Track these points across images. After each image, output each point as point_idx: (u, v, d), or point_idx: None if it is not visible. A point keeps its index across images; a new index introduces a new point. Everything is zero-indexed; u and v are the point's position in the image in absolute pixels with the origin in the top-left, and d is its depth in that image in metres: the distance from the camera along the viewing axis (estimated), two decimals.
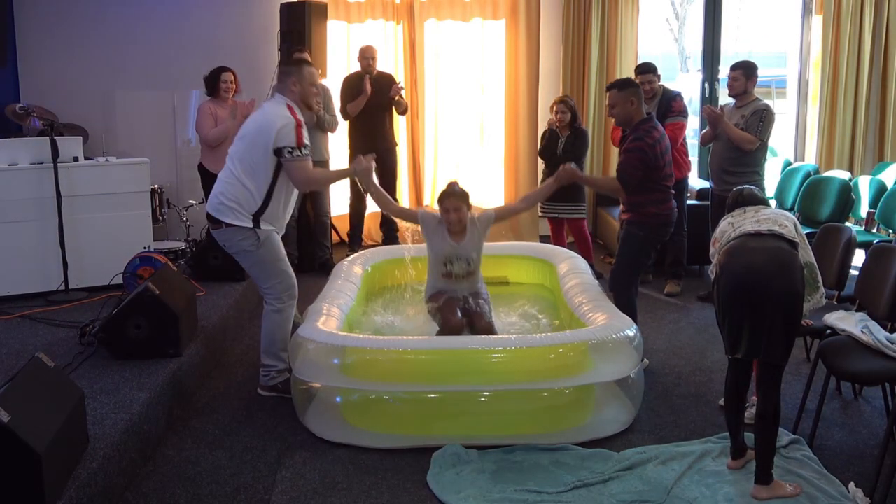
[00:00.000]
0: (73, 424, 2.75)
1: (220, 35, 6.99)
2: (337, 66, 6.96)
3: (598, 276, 5.40)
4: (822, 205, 5.91)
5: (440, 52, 7.42)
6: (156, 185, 6.30)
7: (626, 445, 3.43)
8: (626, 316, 3.85)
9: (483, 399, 3.46)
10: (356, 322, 4.40)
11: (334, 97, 6.38)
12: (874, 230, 6.01)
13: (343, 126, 6.50)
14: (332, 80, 6.67)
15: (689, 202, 6.01)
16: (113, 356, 3.84)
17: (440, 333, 4.03)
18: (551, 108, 5.96)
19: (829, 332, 3.54)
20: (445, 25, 7.40)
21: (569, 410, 3.51)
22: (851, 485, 3.00)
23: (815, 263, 3.12)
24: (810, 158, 7.61)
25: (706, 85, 7.65)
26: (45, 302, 4.90)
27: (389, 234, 6.97)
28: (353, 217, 6.87)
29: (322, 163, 6.21)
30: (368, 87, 6.32)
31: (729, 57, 7.24)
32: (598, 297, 4.23)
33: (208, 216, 3.85)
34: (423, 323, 4.37)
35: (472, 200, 6.65)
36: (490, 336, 3.93)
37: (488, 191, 7.56)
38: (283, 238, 3.99)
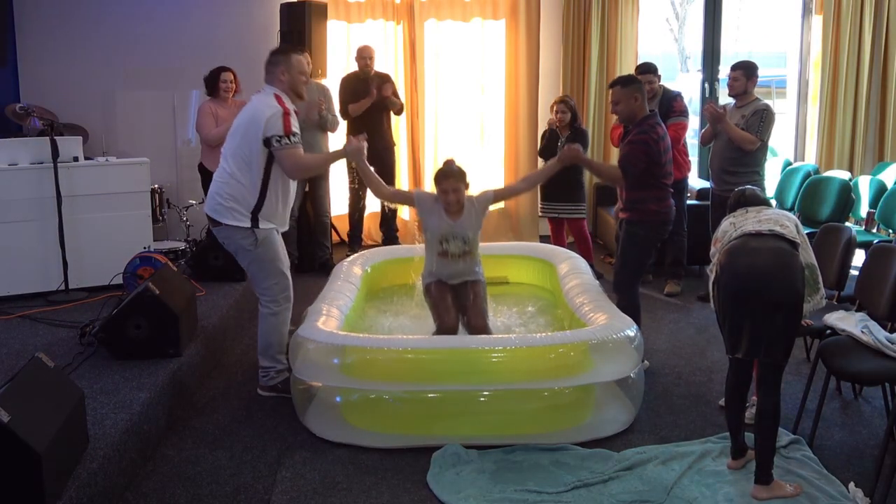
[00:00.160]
0: (73, 424, 2.75)
1: (220, 35, 6.99)
2: (337, 66, 6.96)
3: (599, 276, 5.40)
4: (822, 205, 5.91)
5: (440, 52, 7.42)
6: (156, 185, 6.30)
7: (626, 445, 3.43)
8: (626, 316, 3.85)
9: (483, 399, 3.46)
10: (358, 322, 4.40)
11: (333, 97, 6.37)
12: (874, 230, 6.01)
13: (342, 126, 6.50)
14: (332, 80, 6.67)
15: (689, 202, 6.01)
16: (113, 356, 3.84)
17: (436, 333, 4.03)
18: (551, 107, 5.96)
19: (829, 332, 3.54)
20: (445, 25, 7.40)
21: (569, 410, 3.51)
22: (851, 485, 3.00)
23: (816, 265, 3.12)
24: (810, 158, 7.61)
25: (706, 85, 7.65)
26: (45, 302, 4.89)
27: (389, 234, 6.97)
28: (353, 217, 6.88)
29: None
30: (375, 92, 6.32)
31: (729, 57, 7.24)
32: (599, 297, 4.23)
33: (207, 216, 3.86)
34: (424, 323, 4.37)
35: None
36: (490, 336, 3.92)
37: (488, 189, 7.54)
38: (283, 238, 3.99)
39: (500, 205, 7.65)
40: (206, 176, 5.69)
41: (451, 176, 3.97)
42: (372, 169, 4.09)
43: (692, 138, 6.90)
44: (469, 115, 7.59)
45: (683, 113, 5.70)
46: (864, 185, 6.19)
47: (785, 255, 2.94)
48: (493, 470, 3.21)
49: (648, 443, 3.46)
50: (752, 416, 3.20)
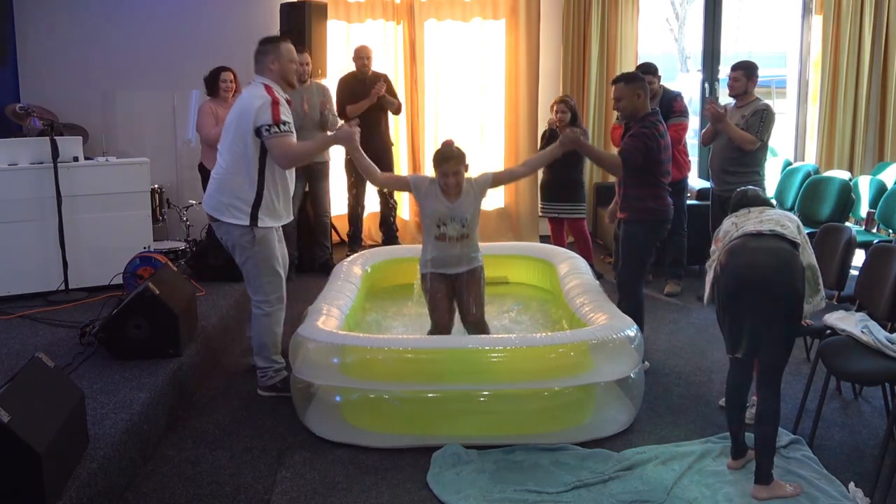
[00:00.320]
0: (73, 424, 2.75)
1: (220, 35, 6.99)
2: (337, 66, 6.96)
3: (599, 276, 5.41)
4: (822, 205, 5.91)
5: (440, 52, 7.42)
6: (156, 185, 6.30)
7: (626, 445, 3.43)
8: (626, 316, 3.86)
9: (483, 399, 3.46)
10: (358, 322, 4.40)
11: (332, 97, 6.37)
12: (874, 230, 6.01)
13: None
14: (332, 80, 6.67)
15: (689, 202, 6.01)
16: (113, 356, 3.84)
17: (430, 332, 4.03)
18: (551, 107, 5.96)
19: (829, 332, 3.54)
20: (445, 25, 7.40)
21: (569, 410, 3.51)
22: (851, 485, 3.00)
23: (817, 266, 3.12)
24: (810, 158, 7.61)
25: (706, 85, 7.65)
26: (45, 302, 4.89)
27: (389, 234, 6.97)
28: (352, 217, 6.88)
29: (323, 163, 6.22)
30: (374, 94, 6.31)
31: (729, 57, 7.24)
32: (599, 297, 4.23)
33: (211, 218, 3.86)
34: (424, 322, 4.37)
35: None
36: (490, 336, 3.93)
37: (488, 191, 7.54)
38: (284, 238, 3.99)
39: (501, 202, 7.69)
40: (206, 175, 5.66)
41: (451, 158, 3.88)
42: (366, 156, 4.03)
43: (692, 138, 6.90)
44: (469, 116, 7.59)
45: (683, 113, 5.70)
46: (864, 185, 6.19)
47: (785, 255, 2.94)
48: (493, 470, 3.21)
49: (648, 443, 3.46)
50: (753, 416, 3.20)
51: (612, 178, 4.47)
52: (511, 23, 7.39)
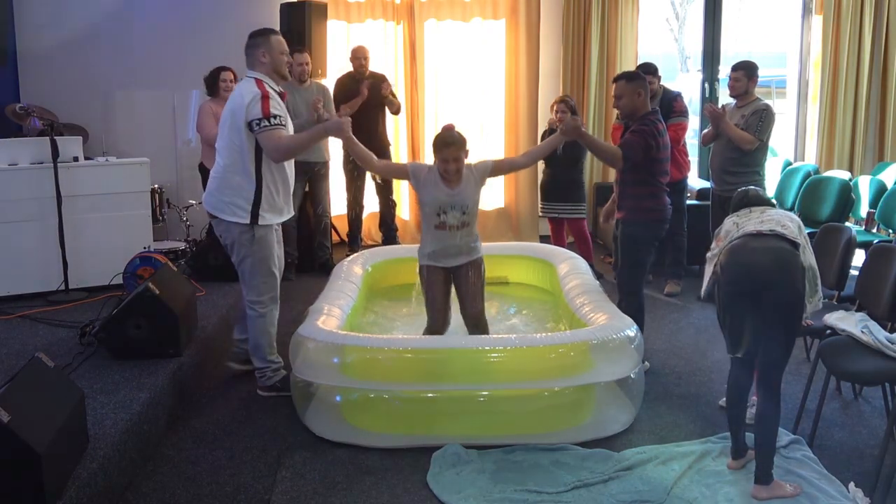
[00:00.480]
0: (73, 424, 2.75)
1: (220, 35, 6.97)
2: (337, 66, 6.96)
3: (599, 276, 5.40)
4: (822, 205, 5.91)
5: (440, 52, 7.42)
6: (156, 185, 6.30)
7: (626, 445, 3.43)
8: (626, 316, 3.85)
9: (483, 399, 3.46)
10: (359, 322, 4.40)
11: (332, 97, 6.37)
12: (874, 230, 6.01)
13: None
14: (332, 80, 6.67)
15: (689, 202, 6.01)
16: (113, 356, 3.84)
17: (426, 330, 4.01)
18: (551, 107, 5.96)
19: (829, 332, 3.54)
20: (445, 25, 7.40)
21: (569, 410, 3.51)
22: (851, 485, 3.00)
23: (816, 267, 3.12)
24: (810, 158, 7.61)
25: (706, 85, 7.65)
26: (45, 302, 4.89)
27: (389, 234, 6.97)
28: (351, 217, 6.88)
29: (323, 163, 6.22)
30: (365, 91, 6.31)
31: (729, 57, 7.24)
32: (599, 297, 4.23)
33: (212, 216, 3.86)
34: (424, 322, 4.37)
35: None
36: (490, 336, 3.93)
37: (488, 191, 7.53)
38: (284, 238, 3.98)
39: (501, 202, 7.68)
40: (206, 175, 5.66)
41: (452, 144, 3.78)
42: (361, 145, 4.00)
43: (692, 138, 6.90)
44: (469, 115, 7.58)
45: (683, 113, 5.70)
46: (864, 185, 6.19)
47: (785, 255, 2.94)
48: (493, 470, 3.21)
49: (648, 443, 3.46)
50: (753, 416, 3.21)
51: (611, 178, 4.45)
52: (511, 23, 7.39)
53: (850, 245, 3.96)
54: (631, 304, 4.17)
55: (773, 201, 3.32)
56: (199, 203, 6.23)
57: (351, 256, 5.29)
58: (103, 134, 6.84)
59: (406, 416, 3.48)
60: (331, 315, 3.95)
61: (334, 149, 6.46)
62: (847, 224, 5.21)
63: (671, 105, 5.60)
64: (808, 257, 3.04)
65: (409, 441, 3.42)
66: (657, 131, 4.07)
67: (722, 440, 3.38)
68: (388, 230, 6.96)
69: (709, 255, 3.22)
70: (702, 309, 5.41)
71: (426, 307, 4.03)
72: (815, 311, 3.16)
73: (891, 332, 3.38)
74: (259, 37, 3.81)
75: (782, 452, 3.27)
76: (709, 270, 3.17)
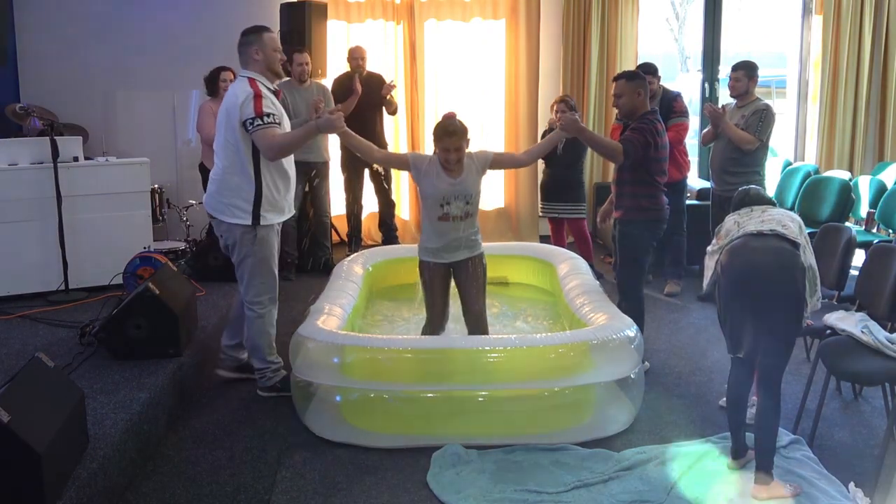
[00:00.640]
0: (73, 424, 2.75)
1: (220, 35, 6.95)
2: (337, 66, 6.96)
3: (599, 276, 5.40)
4: (822, 205, 5.91)
5: (440, 52, 7.42)
6: (156, 185, 6.30)
7: (626, 445, 3.43)
8: (626, 316, 3.85)
9: (483, 399, 3.46)
10: (359, 321, 4.40)
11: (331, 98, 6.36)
12: (874, 230, 6.01)
13: None
14: (332, 81, 6.67)
15: (689, 202, 6.01)
16: (113, 356, 3.84)
17: (424, 327, 3.99)
18: (551, 107, 5.96)
19: (829, 332, 3.54)
20: (445, 25, 7.40)
21: (569, 410, 3.51)
22: (851, 485, 3.00)
23: (816, 267, 3.12)
24: (810, 158, 7.61)
25: (706, 85, 7.65)
26: (45, 302, 4.89)
27: (389, 234, 6.97)
28: (351, 217, 6.87)
29: (323, 163, 6.22)
30: (358, 87, 6.29)
31: (730, 57, 7.24)
32: (599, 297, 4.23)
33: (213, 218, 3.85)
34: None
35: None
36: (490, 336, 3.92)
37: (488, 191, 7.54)
38: (283, 238, 3.98)
39: (501, 202, 7.68)
40: (207, 175, 5.66)
41: (454, 133, 3.71)
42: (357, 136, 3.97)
43: (692, 138, 6.90)
44: (469, 116, 7.53)
45: (684, 113, 5.70)
46: (864, 185, 6.19)
47: (786, 256, 2.94)
48: (493, 470, 3.21)
49: (648, 443, 3.45)
50: (753, 416, 3.21)
51: (611, 179, 4.44)
52: (511, 23, 7.39)
53: (850, 245, 3.96)
54: (631, 304, 4.17)
55: (774, 200, 3.32)
56: (200, 203, 6.22)
57: (351, 256, 5.29)
58: (103, 134, 6.84)
59: (406, 416, 3.48)
60: (331, 315, 3.95)
61: (334, 149, 6.46)
62: (847, 224, 5.21)
63: (671, 105, 5.60)
64: (809, 257, 3.03)
65: (409, 441, 3.42)
66: (656, 130, 4.07)
67: (722, 440, 3.38)
68: (388, 230, 6.96)
69: (709, 249, 3.21)
70: (702, 309, 5.41)
71: (426, 303, 3.99)
72: (814, 310, 3.16)
73: (891, 331, 3.38)
74: (252, 34, 3.80)
75: (782, 452, 3.26)
76: (709, 265, 3.17)
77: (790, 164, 7.09)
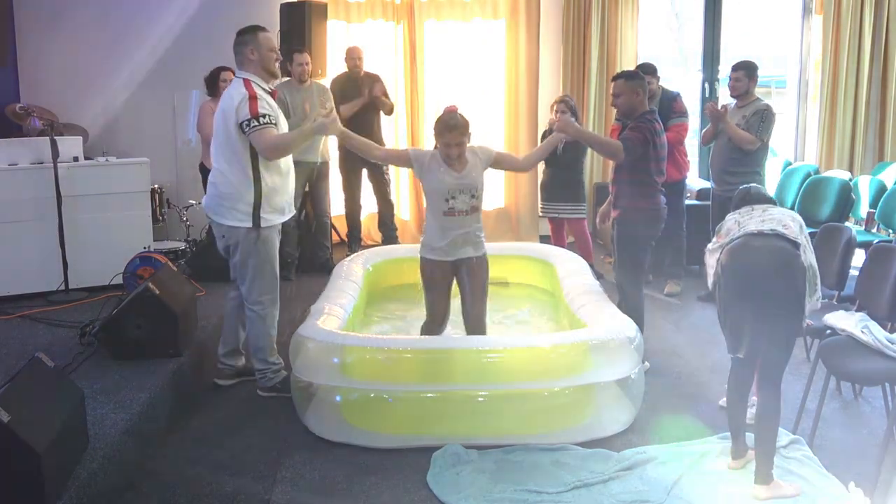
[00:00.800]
0: (73, 424, 2.75)
1: (220, 35, 6.93)
2: (337, 66, 6.96)
3: (599, 276, 5.40)
4: (822, 205, 5.91)
5: (440, 52, 7.41)
6: (156, 185, 6.30)
7: (626, 445, 3.43)
8: (626, 316, 3.85)
9: (483, 399, 3.45)
10: (360, 321, 4.40)
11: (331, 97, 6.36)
12: (874, 230, 6.01)
13: None
14: (330, 81, 6.66)
15: (688, 202, 6.01)
16: (113, 356, 3.84)
17: (424, 326, 3.96)
18: (551, 107, 5.96)
19: (829, 332, 3.54)
20: (445, 25, 7.39)
21: (569, 410, 3.51)
22: (851, 485, 3.00)
23: (817, 266, 3.11)
24: (810, 158, 7.61)
25: (706, 85, 7.65)
26: (45, 302, 4.89)
27: (388, 234, 6.96)
28: (350, 218, 6.87)
29: (323, 163, 6.21)
30: (367, 93, 6.30)
31: (731, 57, 7.23)
32: (599, 297, 4.23)
33: (213, 222, 3.84)
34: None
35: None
36: (490, 336, 3.92)
37: (488, 191, 7.50)
38: (283, 238, 3.97)
39: (501, 202, 7.68)
40: (207, 175, 5.67)
41: (455, 128, 3.70)
42: (355, 135, 3.97)
43: (692, 138, 6.89)
44: (469, 116, 7.52)
45: (684, 114, 5.70)
46: (864, 185, 6.19)
47: (787, 256, 2.93)
48: (493, 470, 3.21)
49: (648, 443, 3.46)
50: (753, 416, 3.21)
51: (609, 178, 4.45)
52: (511, 23, 7.39)
53: (850, 245, 3.96)
54: (631, 303, 4.17)
55: (774, 199, 3.31)
56: (199, 203, 6.23)
57: (351, 256, 5.29)
58: (103, 134, 6.83)
59: (406, 416, 3.47)
60: (332, 314, 3.95)
61: (334, 149, 6.46)
62: (847, 224, 5.20)
63: (671, 105, 5.60)
64: (809, 257, 3.03)
65: (409, 441, 3.41)
66: (655, 130, 4.08)
67: (722, 440, 3.38)
68: (388, 230, 6.95)
69: (709, 247, 3.21)
70: (702, 309, 5.41)
71: (426, 303, 3.93)
72: (813, 310, 3.15)
73: (891, 332, 3.38)
74: (247, 34, 3.80)
75: (782, 452, 3.26)
76: (710, 263, 3.16)
77: (790, 164, 7.08)
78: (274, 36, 6.65)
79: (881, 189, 6.03)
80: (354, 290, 4.52)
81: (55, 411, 2.64)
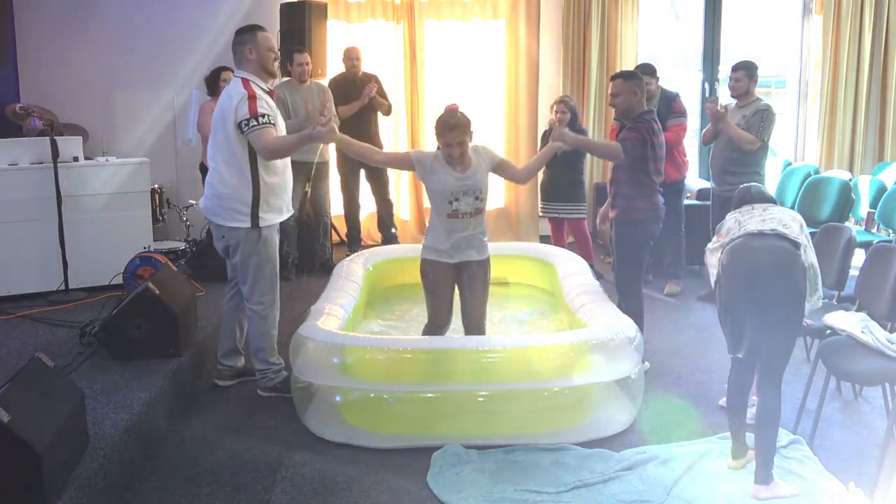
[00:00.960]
0: (73, 424, 2.75)
1: (220, 35, 6.97)
2: (337, 66, 6.96)
3: (599, 276, 5.40)
4: (822, 205, 5.91)
5: (440, 52, 7.41)
6: (156, 185, 6.30)
7: (626, 445, 3.43)
8: (626, 316, 3.85)
9: (483, 399, 3.45)
10: (360, 321, 4.40)
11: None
12: (874, 230, 6.00)
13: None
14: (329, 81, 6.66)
15: (688, 202, 6.01)
16: (113, 356, 3.84)
17: (426, 327, 3.94)
18: (551, 108, 5.96)
19: (829, 331, 3.54)
20: (445, 25, 7.39)
21: (569, 410, 3.51)
22: (851, 484, 3.00)
23: (817, 265, 3.11)
24: (810, 158, 7.61)
25: (706, 85, 7.65)
26: (45, 302, 4.90)
27: (388, 234, 6.96)
28: (349, 218, 6.86)
29: (323, 163, 6.21)
30: (370, 93, 6.28)
31: (731, 57, 7.23)
32: (599, 297, 4.23)
33: (213, 223, 3.84)
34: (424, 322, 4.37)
35: None
36: (490, 336, 3.92)
37: (489, 189, 7.53)
38: (283, 238, 3.97)
39: (501, 202, 7.68)
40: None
41: (456, 127, 3.65)
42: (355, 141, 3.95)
43: (692, 138, 6.90)
44: (469, 116, 7.55)
45: (682, 114, 5.70)
46: (864, 185, 6.19)
47: (787, 256, 2.93)
48: (493, 470, 3.21)
49: (648, 443, 3.46)
50: (753, 416, 3.21)
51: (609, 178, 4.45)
52: (511, 23, 7.39)
53: (850, 245, 3.96)
54: (630, 303, 4.18)
55: (774, 198, 3.31)
56: (199, 203, 6.24)
57: (351, 256, 5.29)
58: (103, 134, 6.83)
59: (406, 417, 3.47)
60: (332, 315, 3.95)
61: (333, 148, 6.45)
62: (847, 224, 5.20)
63: (670, 105, 5.60)
64: (810, 256, 3.03)
65: (409, 441, 3.41)
66: (653, 130, 4.08)
67: (722, 440, 3.38)
68: (387, 230, 6.95)
69: (709, 246, 3.21)
70: (702, 309, 5.42)
71: (428, 304, 3.90)
72: (814, 309, 3.15)
73: (891, 332, 3.38)
74: (246, 33, 3.79)
75: (782, 452, 3.26)
76: (712, 262, 3.16)
77: (790, 164, 7.09)
78: (274, 36, 6.71)
79: (881, 189, 6.02)
80: (354, 290, 4.52)
81: (55, 411, 2.64)
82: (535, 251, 5.50)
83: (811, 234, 3.54)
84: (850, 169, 7.32)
